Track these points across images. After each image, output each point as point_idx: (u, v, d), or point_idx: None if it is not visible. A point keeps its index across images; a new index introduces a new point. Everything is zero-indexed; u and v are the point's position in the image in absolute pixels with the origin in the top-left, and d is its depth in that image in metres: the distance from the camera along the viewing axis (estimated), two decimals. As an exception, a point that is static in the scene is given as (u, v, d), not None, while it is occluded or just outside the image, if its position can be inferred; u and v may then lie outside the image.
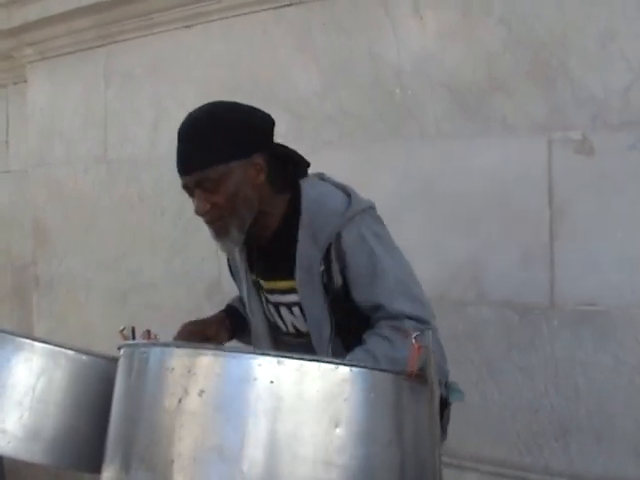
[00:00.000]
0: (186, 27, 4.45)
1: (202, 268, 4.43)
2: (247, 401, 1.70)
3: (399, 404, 1.79)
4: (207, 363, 1.76)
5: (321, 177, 2.43)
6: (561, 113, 3.16)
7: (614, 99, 3.04)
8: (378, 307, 2.21)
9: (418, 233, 3.50)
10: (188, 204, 4.39)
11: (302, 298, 2.31)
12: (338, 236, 2.24)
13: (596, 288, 3.10)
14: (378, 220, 2.35)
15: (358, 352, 2.15)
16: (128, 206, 4.83)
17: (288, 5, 3.96)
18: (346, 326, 2.28)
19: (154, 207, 4.68)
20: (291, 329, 2.44)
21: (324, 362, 1.75)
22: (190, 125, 2.31)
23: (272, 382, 1.70)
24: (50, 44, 5.16)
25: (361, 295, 2.24)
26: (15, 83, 5.79)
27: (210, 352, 1.78)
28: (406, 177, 3.57)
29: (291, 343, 2.46)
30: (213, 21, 4.30)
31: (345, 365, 1.75)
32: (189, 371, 1.75)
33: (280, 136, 3.96)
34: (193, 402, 1.72)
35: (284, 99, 3.97)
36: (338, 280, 2.25)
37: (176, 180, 4.54)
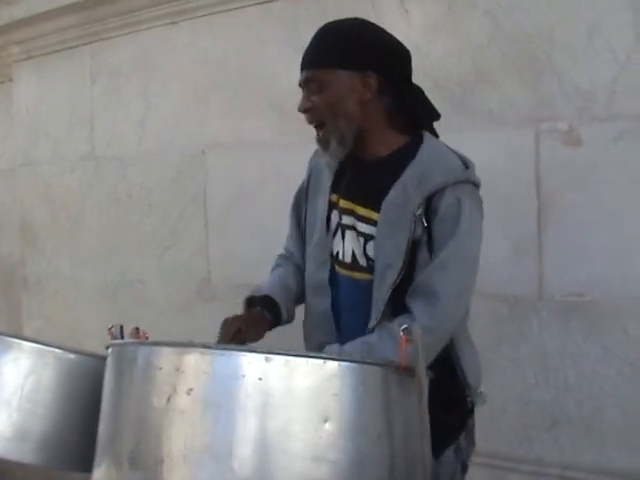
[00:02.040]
0: (172, 23, 4.44)
1: (191, 265, 4.43)
2: (236, 398, 1.70)
3: (388, 398, 1.79)
4: (195, 361, 1.76)
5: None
6: (548, 105, 3.16)
7: (600, 91, 3.05)
8: (414, 278, 2.19)
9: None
10: (175, 201, 4.43)
11: (379, 234, 2.25)
12: (442, 191, 2.19)
13: (584, 279, 3.11)
14: (480, 202, 2.31)
15: (356, 343, 2.14)
16: (116, 204, 4.82)
17: (273, 0, 3.96)
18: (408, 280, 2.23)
19: (142, 204, 4.67)
20: (348, 258, 2.34)
21: (312, 357, 1.75)
22: (324, 27, 2.37)
23: (260, 379, 1.69)
24: (36, 42, 5.15)
25: (426, 256, 2.20)
26: (1, 82, 5.77)
27: (198, 350, 1.77)
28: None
29: (342, 277, 2.37)
30: (199, 17, 4.30)
31: (333, 360, 1.75)
32: (177, 369, 1.74)
33: (267, 130, 4.01)
34: (182, 401, 1.72)
35: (272, 94, 3.96)
36: (424, 230, 2.20)
37: (164, 177, 4.57)
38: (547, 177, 3.18)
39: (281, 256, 2.66)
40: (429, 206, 2.19)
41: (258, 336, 2.36)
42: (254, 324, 2.37)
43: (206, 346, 1.78)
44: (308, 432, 1.69)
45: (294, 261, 2.60)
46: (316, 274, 2.44)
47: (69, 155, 5.09)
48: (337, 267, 2.39)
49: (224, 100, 4.22)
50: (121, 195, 4.79)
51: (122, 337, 2.44)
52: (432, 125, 2.41)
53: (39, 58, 5.21)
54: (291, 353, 1.74)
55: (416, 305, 2.16)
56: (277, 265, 2.64)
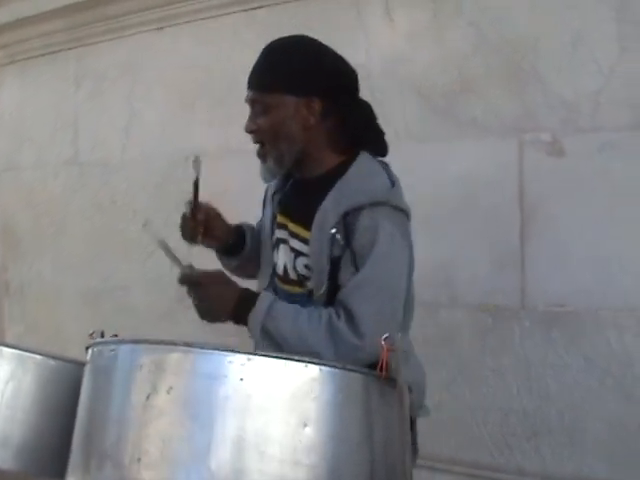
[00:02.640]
0: (157, 29, 4.44)
1: (174, 271, 4.40)
2: (216, 399, 1.69)
3: (368, 406, 1.79)
4: (177, 360, 1.75)
5: (385, 164, 2.42)
6: (532, 115, 3.17)
7: (584, 102, 3.06)
8: (338, 290, 2.21)
9: (390, 236, 3.49)
10: (159, 207, 4.41)
11: (311, 252, 2.29)
12: (358, 211, 2.21)
13: (566, 289, 3.11)
14: (403, 227, 2.30)
15: (289, 307, 2.22)
16: (99, 209, 4.80)
17: (258, 7, 3.96)
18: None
19: (126, 210, 4.65)
20: (281, 271, 2.42)
21: (293, 360, 1.74)
22: (270, 46, 2.41)
23: (242, 379, 1.69)
24: (20, 47, 5.13)
25: (345, 276, 2.22)
26: (-16, 87, 5.74)
27: (180, 349, 1.76)
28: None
29: (281, 291, 2.42)
30: (184, 23, 4.29)
31: (314, 364, 1.74)
32: (158, 368, 1.73)
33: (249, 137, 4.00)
34: (161, 399, 1.70)
35: (256, 102, 3.95)
36: (342, 249, 2.22)
37: (148, 182, 4.56)
38: (530, 187, 3.18)
39: None
40: (346, 225, 2.22)
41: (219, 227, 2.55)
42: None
43: (188, 345, 1.76)
44: (287, 435, 1.68)
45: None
46: (259, 284, 2.52)
47: (52, 160, 5.07)
48: (275, 278, 2.46)
49: (209, 106, 4.21)
50: (105, 201, 4.77)
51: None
52: (381, 143, 2.43)
53: (23, 62, 5.19)
54: (273, 355, 1.74)
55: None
56: None
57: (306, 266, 2.32)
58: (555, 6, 3.13)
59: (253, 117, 2.35)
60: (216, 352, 1.74)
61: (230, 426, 1.68)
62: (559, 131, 3.12)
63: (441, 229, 3.38)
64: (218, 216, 2.56)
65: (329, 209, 2.25)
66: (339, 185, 2.28)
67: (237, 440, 1.67)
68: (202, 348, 1.76)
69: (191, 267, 2.41)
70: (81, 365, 2.13)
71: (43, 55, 5.06)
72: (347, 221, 2.21)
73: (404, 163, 3.46)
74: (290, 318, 2.18)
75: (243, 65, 3.99)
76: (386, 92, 3.51)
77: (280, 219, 2.43)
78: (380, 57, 3.53)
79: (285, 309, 2.22)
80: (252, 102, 2.35)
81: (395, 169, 3.47)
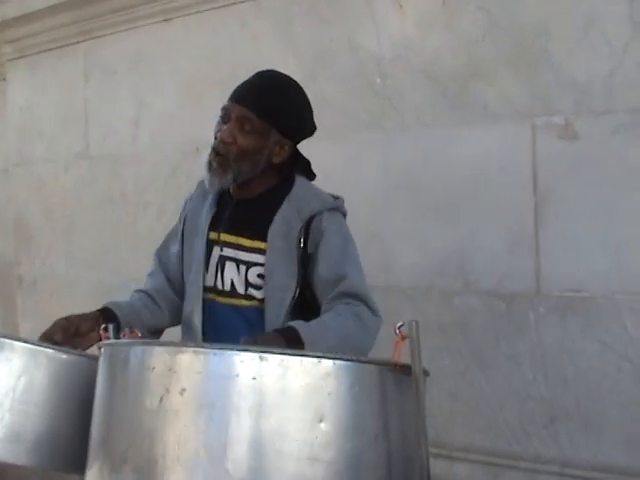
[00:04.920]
0: (165, 21, 4.43)
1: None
2: (229, 398, 1.68)
3: (384, 396, 1.78)
4: (188, 361, 1.74)
5: None
6: (544, 99, 3.14)
7: (597, 84, 3.03)
8: (343, 277, 2.38)
9: (401, 224, 3.48)
10: (170, 199, 4.40)
11: (269, 261, 2.43)
12: (320, 214, 2.44)
13: (581, 274, 3.09)
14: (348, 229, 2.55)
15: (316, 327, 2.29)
16: (110, 202, 4.80)
17: (267, -4, 3.94)
18: (305, 298, 2.44)
19: (137, 203, 4.65)
20: (227, 287, 2.51)
21: (307, 356, 1.73)
22: (275, 78, 2.55)
23: (254, 378, 1.68)
24: (29, 41, 5.13)
25: (329, 266, 2.40)
26: (-6, 82, 5.75)
27: (191, 350, 1.75)
28: (388, 167, 3.55)
29: (221, 305, 2.52)
30: (192, 14, 4.28)
31: (328, 358, 1.73)
32: (170, 369, 1.73)
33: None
34: (174, 401, 1.70)
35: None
36: (311, 249, 2.42)
37: (158, 175, 4.55)
38: (544, 171, 3.16)
39: (136, 291, 2.84)
40: (311, 226, 2.43)
41: (88, 329, 2.57)
42: (83, 320, 2.62)
43: (199, 346, 1.76)
44: (303, 432, 1.67)
45: (149, 294, 2.78)
46: (186, 308, 2.60)
47: (63, 154, 5.06)
48: (216, 297, 2.54)
49: (218, 97, 4.17)
50: (116, 194, 4.77)
51: (118, 337, 2.43)
52: (310, 171, 2.62)
53: (32, 57, 5.19)
54: (285, 352, 1.73)
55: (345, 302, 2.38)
56: (134, 293, 2.83)
57: (259, 275, 2.46)
58: (564, -12, 3.10)
59: (233, 130, 2.44)
60: (227, 352, 1.73)
61: (245, 426, 1.67)
62: (571, 114, 3.09)
63: (454, 215, 3.36)
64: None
65: (291, 219, 2.44)
66: (293, 198, 2.47)
67: (253, 439, 1.66)
68: (213, 348, 1.75)
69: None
70: (93, 359, 2.12)
71: (52, 49, 5.06)
72: (311, 226, 2.43)
73: (415, 149, 3.48)
74: (322, 335, 2.26)
75: (251, 55, 4.02)
76: (397, 78, 3.50)
77: (227, 238, 2.53)
78: (390, 43, 3.50)
79: (315, 330, 2.27)
80: (241, 118, 2.44)
81: (406, 155, 3.49)
